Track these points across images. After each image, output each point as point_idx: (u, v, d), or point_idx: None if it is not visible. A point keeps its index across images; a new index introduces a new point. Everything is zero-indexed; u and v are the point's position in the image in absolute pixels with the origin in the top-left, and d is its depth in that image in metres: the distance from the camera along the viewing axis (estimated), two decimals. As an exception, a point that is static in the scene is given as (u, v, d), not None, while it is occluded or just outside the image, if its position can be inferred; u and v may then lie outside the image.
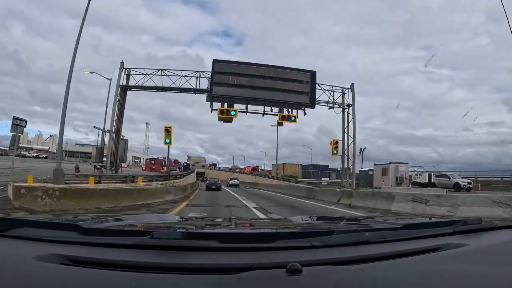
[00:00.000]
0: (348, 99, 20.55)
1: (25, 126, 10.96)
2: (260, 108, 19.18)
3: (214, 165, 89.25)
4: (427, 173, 27.64)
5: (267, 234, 1.22)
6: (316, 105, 19.51)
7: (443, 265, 0.89)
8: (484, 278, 0.83)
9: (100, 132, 20.20)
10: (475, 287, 0.81)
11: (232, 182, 34.06)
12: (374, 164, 31.55)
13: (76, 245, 0.93)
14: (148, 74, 18.41)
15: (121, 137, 18.75)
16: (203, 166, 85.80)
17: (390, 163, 27.87)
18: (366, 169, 35.67)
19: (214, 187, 23.18)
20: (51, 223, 1.17)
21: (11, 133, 10.47)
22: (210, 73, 18.29)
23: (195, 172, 41.21)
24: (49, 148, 71.53)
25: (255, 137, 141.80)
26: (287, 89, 18.71)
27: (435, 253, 0.99)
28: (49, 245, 0.93)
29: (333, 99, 20.14)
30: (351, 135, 20.57)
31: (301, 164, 53.42)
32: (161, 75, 18.38)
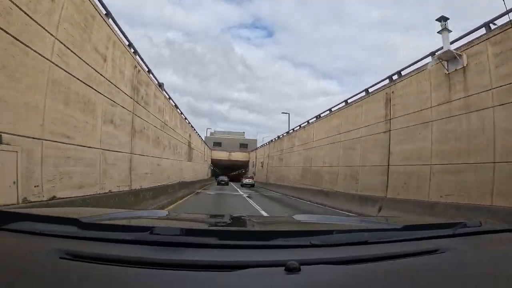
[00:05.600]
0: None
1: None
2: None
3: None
4: None
5: (266, 232, 1.21)
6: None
7: (441, 267, 0.89)
8: (482, 281, 0.83)
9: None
10: None
11: (246, 181, 30.97)
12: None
13: (76, 240, 0.93)
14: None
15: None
16: (242, 145, 43.51)
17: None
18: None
19: (223, 182, 31.71)
20: (51, 217, 1.14)
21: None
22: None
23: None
24: None
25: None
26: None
27: (434, 255, 0.98)
28: (49, 239, 0.93)
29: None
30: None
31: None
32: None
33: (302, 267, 0.76)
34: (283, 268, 0.76)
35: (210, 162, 33.71)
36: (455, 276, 0.84)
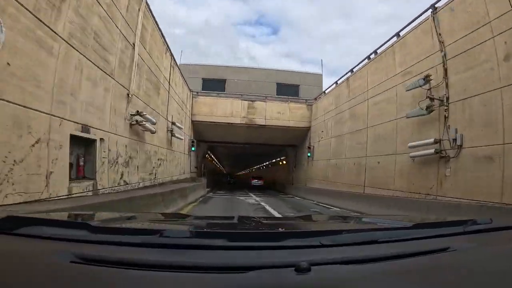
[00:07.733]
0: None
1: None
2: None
3: None
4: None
5: (276, 233, 1.21)
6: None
7: (452, 265, 0.90)
8: (494, 278, 0.82)
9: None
10: (484, 287, 0.80)
11: (255, 182, 28.57)
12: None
13: (86, 244, 0.95)
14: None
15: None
16: (284, 89, 19.29)
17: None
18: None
19: (233, 181, 31.68)
20: (62, 221, 1.17)
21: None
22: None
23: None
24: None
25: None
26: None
27: (445, 253, 0.98)
28: (60, 243, 0.94)
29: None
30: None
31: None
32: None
33: (312, 267, 0.77)
34: (293, 268, 0.76)
35: (188, 136, 12.08)
36: (466, 274, 0.84)
